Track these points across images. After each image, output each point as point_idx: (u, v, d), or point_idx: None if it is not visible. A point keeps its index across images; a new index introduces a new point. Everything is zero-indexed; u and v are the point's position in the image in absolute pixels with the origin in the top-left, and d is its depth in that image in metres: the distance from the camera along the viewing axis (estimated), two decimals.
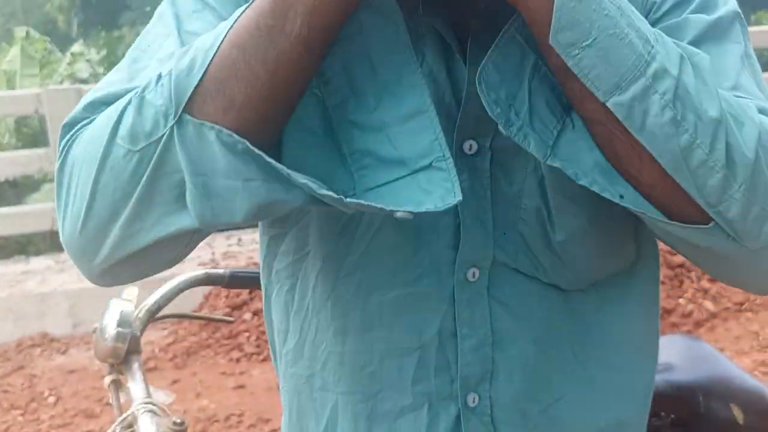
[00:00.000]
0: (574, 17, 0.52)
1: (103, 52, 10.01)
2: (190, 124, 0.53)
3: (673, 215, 0.58)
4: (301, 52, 0.54)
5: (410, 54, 0.58)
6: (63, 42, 10.01)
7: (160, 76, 0.55)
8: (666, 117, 0.54)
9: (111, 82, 0.63)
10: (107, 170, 0.55)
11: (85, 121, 0.59)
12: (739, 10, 0.68)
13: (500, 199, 0.65)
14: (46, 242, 5.39)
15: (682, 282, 3.38)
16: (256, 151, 0.52)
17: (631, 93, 0.53)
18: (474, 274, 0.66)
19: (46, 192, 6.98)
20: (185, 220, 0.55)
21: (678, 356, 0.96)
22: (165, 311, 0.90)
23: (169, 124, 0.53)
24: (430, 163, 0.57)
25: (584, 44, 0.52)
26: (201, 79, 0.53)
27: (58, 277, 3.83)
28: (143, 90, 0.55)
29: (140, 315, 0.81)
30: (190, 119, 0.53)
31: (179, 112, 0.53)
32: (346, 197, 0.54)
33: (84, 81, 9.09)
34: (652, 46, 0.54)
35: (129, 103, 0.55)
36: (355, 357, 0.69)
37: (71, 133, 0.59)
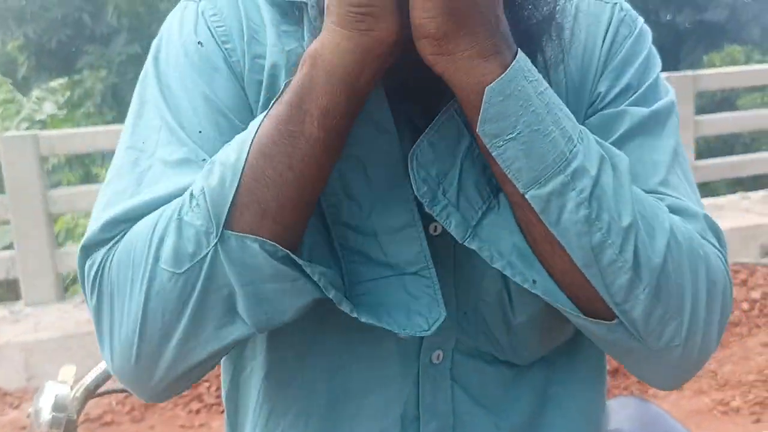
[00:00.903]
0: (501, 110, 0.54)
1: (66, 95, 9.92)
2: (233, 239, 0.55)
3: (582, 307, 0.60)
4: (319, 155, 0.56)
5: (402, 168, 0.61)
6: (23, 83, 9.88)
7: (192, 196, 0.56)
8: (581, 214, 0.56)
9: (119, 192, 0.62)
10: (154, 295, 0.56)
11: (109, 244, 0.59)
12: (675, 100, 0.71)
13: (463, 281, 0.66)
14: (1, 290, 5.25)
15: None
16: (293, 256, 0.55)
17: (549, 188, 0.55)
18: (438, 356, 0.67)
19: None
20: (240, 329, 0.58)
21: (628, 420, 0.97)
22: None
23: (212, 243, 0.55)
24: (416, 272, 0.62)
25: (508, 137, 0.54)
26: (235, 194, 0.55)
27: (11, 328, 3.72)
28: (179, 211, 0.56)
29: (77, 395, 0.79)
30: (231, 234, 0.55)
31: (221, 230, 0.55)
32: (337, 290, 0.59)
33: (44, 124, 8.99)
34: (575, 145, 0.56)
35: (167, 225, 0.56)
36: None
37: (94, 255, 0.59)
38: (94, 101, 8.64)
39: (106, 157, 8.41)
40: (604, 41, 0.71)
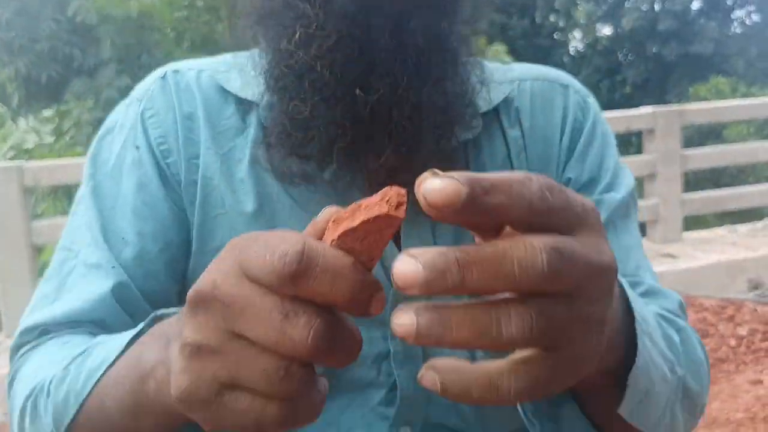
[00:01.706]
0: (638, 389, 0.51)
1: (55, 124, 9.94)
2: None
3: None
4: None
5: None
6: (14, 113, 9.92)
7: (49, 392, 0.59)
8: (680, 416, 0.60)
9: (44, 296, 0.69)
10: None
11: (29, 345, 0.66)
12: (635, 184, 0.76)
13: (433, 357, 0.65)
14: None
15: None
16: None
17: (666, 419, 0.57)
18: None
19: None
20: None
21: None
22: None
23: None
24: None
25: (643, 401, 0.53)
26: (73, 419, 0.56)
27: None
28: (39, 392, 0.60)
29: None
30: None
31: None
32: None
33: (30, 153, 8.98)
34: (671, 361, 0.57)
35: (34, 402, 0.60)
36: None
37: (18, 356, 0.67)
38: (81, 131, 8.66)
39: None
40: (563, 128, 0.73)
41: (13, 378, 0.65)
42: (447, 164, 0.57)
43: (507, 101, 0.73)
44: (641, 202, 5.32)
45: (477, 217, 0.32)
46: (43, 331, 0.66)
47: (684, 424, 0.61)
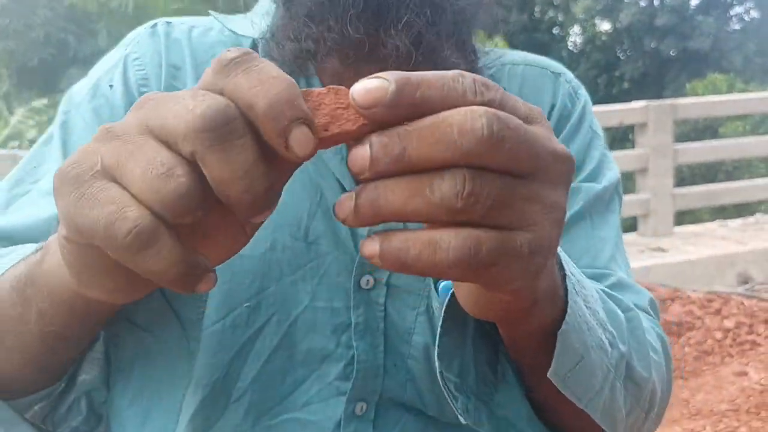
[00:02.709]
0: (569, 346, 0.50)
1: (49, 113, 9.93)
2: None
3: None
4: (39, 348, 0.52)
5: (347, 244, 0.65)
6: (6, 99, 9.90)
7: None
8: (621, 397, 0.57)
9: None
10: None
11: None
12: (620, 177, 0.75)
13: (392, 333, 0.66)
14: None
15: None
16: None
17: (603, 395, 0.55)
18: (362, 407, 0.66)
19: None
20: None
21: None
22: None
23: None
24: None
25: (577, 366, 0.51)
26: None
27: None
28: None
29: None
30: None
31: None
32: None
33: (32, 142, 8.97)
34: (612, 333, 0.56)
35: None
36: None
37: None
38: None
39: None
40: (551, 113, 0.73)
41: None
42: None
43: (493, 80, 0.72)
44: (633, 196, 5.35)
45: (408, 112, 0.33)
46: None
47: (629, 412, 0.59)
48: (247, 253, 0.62)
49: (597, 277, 0.67)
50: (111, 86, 0.68)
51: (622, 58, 19.86)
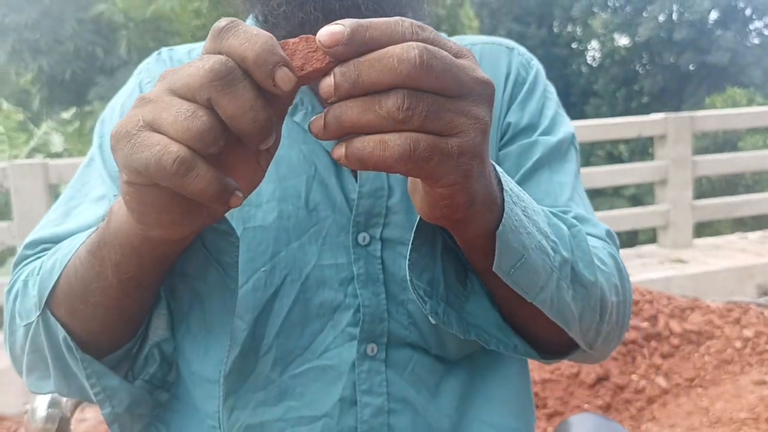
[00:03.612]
0: (509, 246, 0.58)
1: (76, 125, 10.12)
2: (50, 318, 0.65)
3: (549, 350, 0.72)
4: (115, 296, 0.63)
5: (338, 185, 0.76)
6: (35, 113, 10.09)
7: (40, 269, 0.68)
8: (568, 296, 0.65)
9: (50, 220, 0.78)
10: (14, 329, 0.71)
11: (30, 258, 0.74)
12: (574, 131, 0.86)
13: (391, 281, 0.76)
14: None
15: (634, 358, 3.44)
16: (88, 359, 0.65)
17: (549, 290, 0.63)
18: (373, 349, 0.75)
19: (9, 266, 6.87)
20: (51, 387, 0.70)
21: None
22: None
23: (36, 314, 0.66)
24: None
25: (518, 264, 0.60)
26: (54, 286, 0.65)
27: None
28: (28, 275, 0.70)
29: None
30: (49, 314, 0.65)
31: (42, 307, 0.65)
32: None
33: (57, 155, 9.17)
34: (554, 241, 0.64)
35: (24, 283, 0.70)
36: (272, 426, 0.76)
37: (18, 268, 0.74)
38: None
39: None
40: (506, 81, 0.84)
41: (9, 289, 0.73)
42: None
43: None
44: (652, 208, 5.37)
45: (362, 48, 0.43)
46: (44, 248, 0.75)
47: (580, 313, 0.67)
48: (259, 224, 0.74)
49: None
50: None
51: (641, 72, 19.81)
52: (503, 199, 0.57)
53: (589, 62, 22.10)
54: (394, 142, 0.44)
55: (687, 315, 3.54)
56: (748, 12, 18.30)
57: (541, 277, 0.61)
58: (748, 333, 3.45)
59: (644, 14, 18.50)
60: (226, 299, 0.65)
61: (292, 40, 0.47)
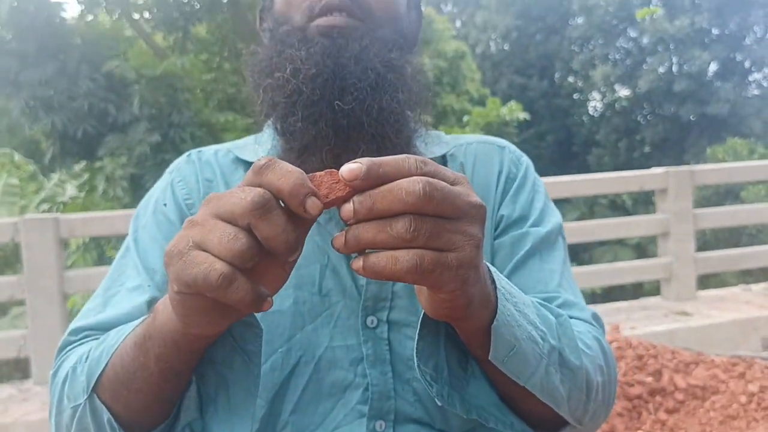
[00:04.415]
0: (503, 338, 0.67)
1: (85, 177, 10.27)
2: (97, 401, 0.73)
3: (542, 426, 0.78)
4: (156, 382, 0.71)
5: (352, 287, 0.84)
6: (46, 166, 10.24)
7: (87, 356, 0.76)
8: (557, 379, 0.72)
9: (90, 309, 0.86)
10: (61, 410, 0.78)
11: (74, 344, 0.82)
12: (561, 222, 0.94)
13: (398, 360, 0.83)
14: (9, 369, 5.30)
15: (640, 414, 3.43)
16: None
17: (539, 375, 0.70)
18: (381, 425, 0.81)
19: (12, 317, 6.89)
20: None
21: None
22: None
23: (84, 398, 0.73)
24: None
25: (511, 353, 0.68)
26: (101, 373, 0.72)
27: (19, 406, 3.76)
28: (77, 361, 0.77)
29: None
30: (96, 398, 0.73)
31: (89, 391, 0.73)
32: None
33: (65, 204, 9.28)
34: (543, 330, 0.71)
35: (72, 368, 0.76)
36: None
37: (63, 353, 0.82)
38: (113, 185, 8.96)
39: (120, 240, 8.66)
40: (499, 177, 0.94)
41: (55, 372, 0.81)
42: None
43: (453, 157, 0.94)
44: (656, 260, 5.41)
45: (376, 182, 0.53)
46: (86, 335, 0.82)
47: (568, 393, 0.74)
48: (277, 309, 0.82)
49: (549, 300, 0.85)
50: (165, 204, 0.92)
51: (642, 122, 20.05)
52: (497, 296, 0.65)
53: (590, 113, 22.40)
54: (404, 258, 0.53)
55: (691, 369, 3.55)
56: (747, 64, 18.63)
57: (532, 363, 0.68)
58: (753, 388, 3.45)
59: (644, 66, 18.84)
60: (249, 384, 0.71)
61: (318, 174, 0.56)
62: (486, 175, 0.93)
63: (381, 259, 0.53)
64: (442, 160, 0.94)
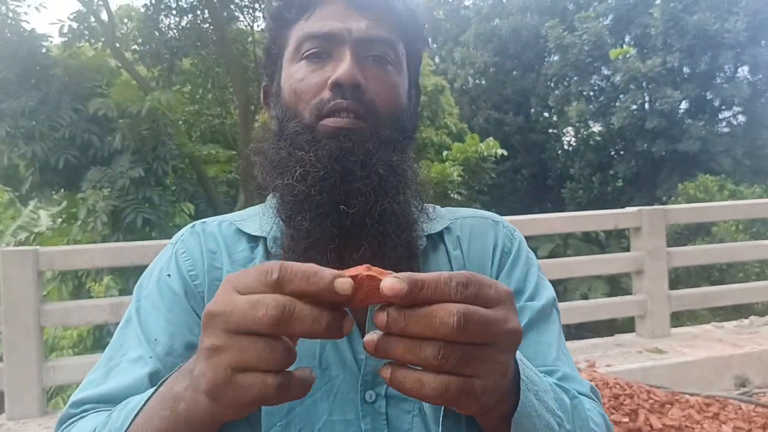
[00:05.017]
0: (526, 429, 0.69)
1: (63, 204, 10.16)
2: None
3: None
4: None
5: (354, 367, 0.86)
6: (24, 195, 10.11)
7: (106, 424, 0.75)
8: None
9: (92, 380, 0.87)
10: None
11: (75, 418, 0.82)
12: (555, 296, 0.98)
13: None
14: None
15: None
16: None
17: None
18: None
19: None
20: None
21: None
22: None
23: None
24: None
25: None
26: None
27: None
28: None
29: None
30: None
31: None
32: None
33: (41, 234, 9.18)
34: (560, 417, 0.74)
35: None
36: None
37: (64, 426, 0.82)
38: (94, 218, 8.85)
39: (99, 272, 8.57)
40: (494, 251, 0.98)
41: None
42: (406, 258, 0.82)
43: (450, 231, 0.99)
44: (630, 298, 5.51)
45: (417, 302, 0.54)
46: (86, 408, 0.82)
47: None
48: None
49: (548, 373, 0.87)
50: (169, 275, 0.94)
51: (615, 158, 20.41)
52: (519, 386, 0.67)
53: (565, 147, 22.77)
54: (430, 384, 0.55)
55: (667, 410, 3.61)
56: (717, 103, 19.13)
57: None
58: (726, 429, 3.52)
59: (617, 103, 19.24)
60: None
61: (359, 275, 0.56)
62: (482, 248, 0.97)
63: (408, 379, 0.55)
64: (440, 235, 0.98)
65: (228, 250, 0.95)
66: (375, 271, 0.56)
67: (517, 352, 0.68)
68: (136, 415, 0.71)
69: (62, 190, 9.85)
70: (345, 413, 0.85)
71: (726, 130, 19.54)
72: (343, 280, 0.54)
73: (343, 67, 0.88)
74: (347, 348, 0.87)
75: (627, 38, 20.57)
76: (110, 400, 0.82)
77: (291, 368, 0.70)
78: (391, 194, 0.86)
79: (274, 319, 0.53)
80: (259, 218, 0.98)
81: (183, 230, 1.02)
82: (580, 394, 0.87)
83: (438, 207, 1.02)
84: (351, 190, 0.85)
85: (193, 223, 1.02)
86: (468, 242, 0.98)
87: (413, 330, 0.54)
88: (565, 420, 0.74)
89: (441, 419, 0.71)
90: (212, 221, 1.02)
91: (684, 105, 19.06)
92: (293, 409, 0.84)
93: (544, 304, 0.95)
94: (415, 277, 0.54)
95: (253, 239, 0.96)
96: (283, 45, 0.97)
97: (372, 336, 0.56)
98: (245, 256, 0.94)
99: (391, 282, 0.54)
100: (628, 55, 18.59)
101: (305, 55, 0.92)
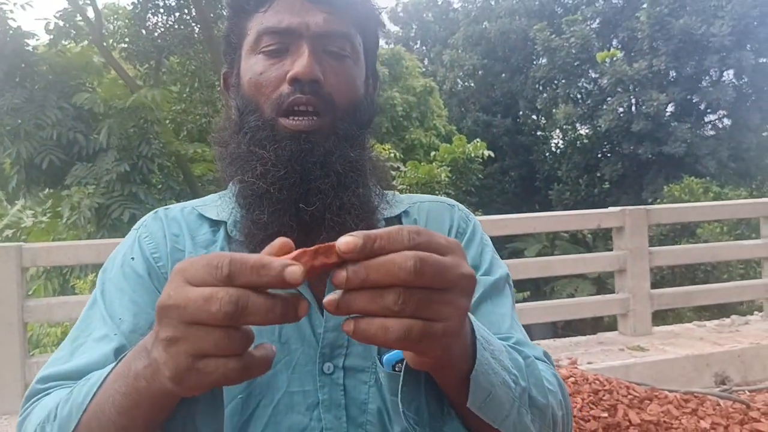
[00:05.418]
0: (480, 386, 0.71)
1: (48, 203, 10.11)
2: None
3: None
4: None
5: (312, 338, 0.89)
6: (11, 194, 10.05)
7: (56, 415, 0.75)
8: (528, 420, 0.78)
9: (57, 358, 0.89)
10: None
11: (41, 394, 0.84)
12: (509, 272, 1.02)
13: (352, 405, 0.89)
14: None
15: None
16: None
17: (512, 417, 0.75)
18: None
19: None
20: None
21: None
22: None
23: None
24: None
25: (487, 399, 0.72)
26: (74, 429, 0.72)
27: None
28: (45, 420, 0.76)
29: None
30: None
31: None
32: None
33: (25, 232, 9.13)
34: (515, 374, 0.76)
35: (41, 425, 0.76)
36: None
37: (31, 402, 0.83)
38: (79, 213, 8.80)
39: (83, 269, 8.53)
40: (450, 231, 1.03)
41: (23, 420, 0.81)
42: None
43: (408, 214, 1.03)
44: (613, 296, 5.57)
45: (371, 255, 0.55)
46: (53, 384, 0.84)
47: (538, 430, 0.79)
48: None
49: (503, 340, 0.89)
50: (132, 258, 0.96)
51: (602, 160, 20.56)
52: (476, 346, 0.69)
53: (552, 150, 22.90)
54: (393, 327, 0.56)
55: (645, 405, 3.65)
56: (702, 106, 19.32)
57: (506, 407, 0.73)
58: (704, 424, 3.56)
59: (604, 106, 19.39)
60: (216, 425, 0.73)
61: (306, 251, 0.57)
62: (437, 229, 1.00)
63: (371, 327, 0.55)
64: (398, 218, 1.01)
65: (191, 233, 0.97)
66: (321, 247, 0.57)
67: (473, 318, 0.71)
68: (95, 392, 0.72)
69: (48, 189, 9.79)
70: (303, 384, 0.88)
71: (711, 133, 19.74)
72: (293, 269, 0.54)
73: (301, 63, 0.89)
74: (306, 323, 0.90)
75: (614, 42, 20.75)
76: (76, 377, 0.83)
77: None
78: (351, 188, 0.89)
79: (228, 315, 0.54)
80: (219, 204, 1.00)
81: (146, 216, 1.04)
82: (537, 358, 0.90)
83: (397, 193, 1.06)
84: (311, 189, 0.87)
85: (156, 209, 1.05)
86: (425, 224, 1.02)
87: (374, 278, 0.55)
88: (520, 377, 0.77)
89: (400, 387, 0.72)
90: (175, 207, 1.04)
91: (670, 108, 19.24)
92: (253, 381, 0.86)
93: (497, 278, 0.99)
94: (368, 232, 0.56)
95: (215, 223, 0.98)
96: (242, 35, 0.98)
97: (332, 296, 0.56)
98: (207, 239, 0.97)
99: (345, 239, 0.55)
100: (615, 59, 18.74)
101: (264, 50, 0.94)
